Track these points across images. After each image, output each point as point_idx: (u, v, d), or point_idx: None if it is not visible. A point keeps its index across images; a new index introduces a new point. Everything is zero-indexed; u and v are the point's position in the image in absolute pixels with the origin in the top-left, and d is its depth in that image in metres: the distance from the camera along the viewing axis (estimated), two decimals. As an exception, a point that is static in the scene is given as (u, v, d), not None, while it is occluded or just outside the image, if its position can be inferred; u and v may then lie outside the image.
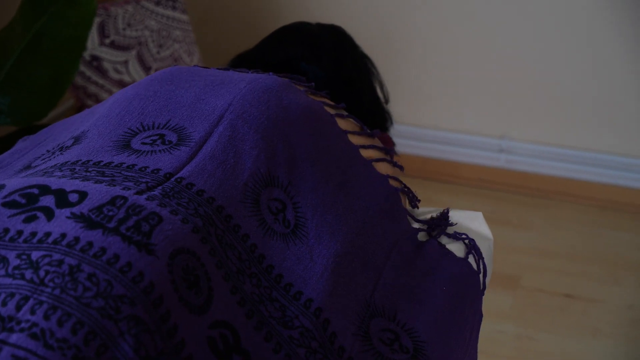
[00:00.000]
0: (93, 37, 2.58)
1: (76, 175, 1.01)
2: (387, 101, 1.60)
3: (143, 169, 1.04)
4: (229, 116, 1.14)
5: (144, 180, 1.01)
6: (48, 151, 1.19)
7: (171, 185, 1.01)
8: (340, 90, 1.46)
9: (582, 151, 2.85)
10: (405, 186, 1.32)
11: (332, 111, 1.28)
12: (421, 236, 1.28)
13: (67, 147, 1.14)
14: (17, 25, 2.09)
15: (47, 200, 0.94)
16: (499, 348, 2.23)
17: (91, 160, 1.07)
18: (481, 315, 1.24)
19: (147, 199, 0.96)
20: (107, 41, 2.62)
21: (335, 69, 1.49)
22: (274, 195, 1.10)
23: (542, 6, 2.73)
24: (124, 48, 2.64)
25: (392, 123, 1.61)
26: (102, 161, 1.07)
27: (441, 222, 1.31)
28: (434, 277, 1.20)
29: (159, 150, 1.09)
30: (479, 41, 2.83)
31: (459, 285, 1.21)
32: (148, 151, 1.09)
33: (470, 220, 1.35)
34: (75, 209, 0.93)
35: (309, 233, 1.10)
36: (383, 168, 1.31)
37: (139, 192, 0.97)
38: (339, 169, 1.19)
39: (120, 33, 2.64)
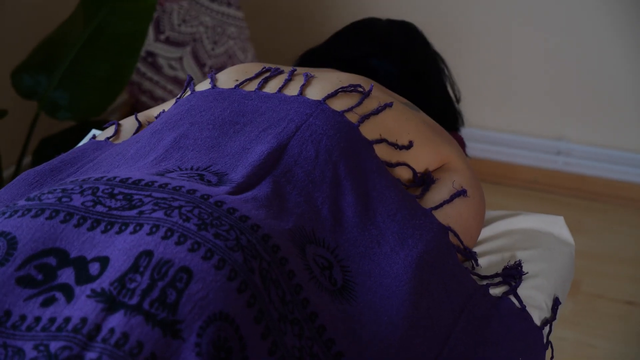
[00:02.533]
0: (148, 32, 2.56)
1: (99, 206, 0.91)
2: (458, 100, 1.56)
3: (177, 188, 0.94)
4: (274, 173, 1.05)
5: (176, 204, 0.91)
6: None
7: (210, 210, 0.91)
8: (410, 86, 1.43)
9: (642, 154, 2.81)
10: (463, 247, 1.18)
11: (384, 155, 1.16)
12: (493, 289, 1.15)
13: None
14: (78, 20, 2.08)
15: (66, 276, 0.85)
16: (559, 355, 2.17)
17: (119, 176, 0.97)
18: None
19: (177, 243, 0.86)
20: (162, 37, 2.61)
21: (406, 65, 1.46)
22: (320, 253, 0.99)
23: (601, 6, 2.68)
24: (179, 44, 2.62)
25: (463, 123, 1.57)
26: (131, 177, 0.97)
27: (514, 273, 1.18)
28: (510, 344, 1.07)
29: (196, 181, 1.00)
30: (538, 41, 2.79)
31: (533, 356, 1.09)
32: (184, 179, 0.99)
33: (550, 225, 1.31)
34: (96, 285, 0.84)
35: (358, 297, 0.98)
36: (452, 212, 1.19)
37: (168, 234, 0.87)
38: (395, 228, 1.07)
39: (175, 29, 2.62)
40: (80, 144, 1.41)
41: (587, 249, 2.61)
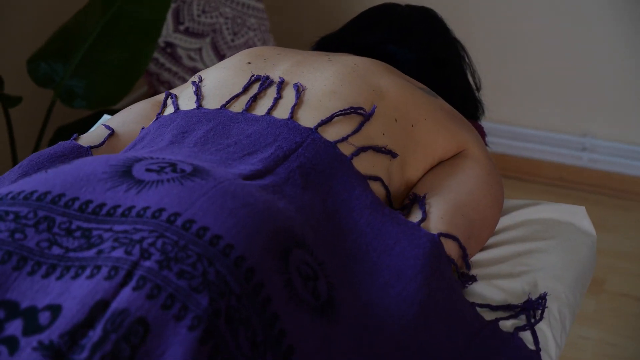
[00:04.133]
0: (167, 23, 2.54)
1: (55, 247, 0.84)
2: (478, 89, 1.52)
3: (141, 213, 0.85)
4: (259, 182, 0.96)
5: (137, 237, 0.83)
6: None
7: (175, 238, 0.82)
8: (429, 73, 1.39)
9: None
10: (459, 274, 1.09)
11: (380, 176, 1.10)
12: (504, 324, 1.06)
13: (56, 166, 0.96)
14: (95, 8, 2.07)
15: (14, 328, 0.78)
16: (582, 354, 2.14)
17: (78, 199, 0.88)
18: None
19: (135, 288, 0.79)
20: (182, 28, 2.58)
21: (425, 51, 1.42)
22: (306, 260, 0.90)
23: (630, 1, 2.64)
24: (199, 35, 2.60)
25: (483, 112, 1.54)
26: (92, 201, 0.88)
27: (530, 306, 1.08)
28: None
29: (167, 180, 0.89)
30: (563, 34, 2.76)
31: None
32: (153, 181, 0.89)
33: (571, 215, 1.27)
34: (44, 336, 0.77)
35: (341, 319, 0.90)
36: (468, 201, 1.14)
37: (127, 277, 0.79)
38: (392, 262, 0.99)
39: (194, 20, 2.60)
40: (93, 128, 1.39)
41: (612, 247, 2.57)
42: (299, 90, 1.13)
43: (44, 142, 2.34)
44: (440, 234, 1.05)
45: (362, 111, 1.11)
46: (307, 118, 1.10)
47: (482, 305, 1.06)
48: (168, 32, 2.56)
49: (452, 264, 1.06)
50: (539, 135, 2.87)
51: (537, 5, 2.75)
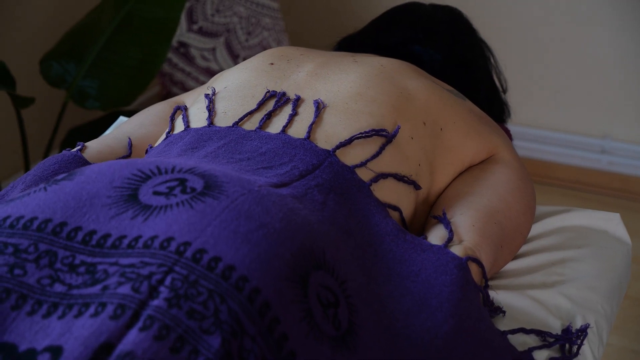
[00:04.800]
0: (181, 22, 2.51)
1: (57, 285, 0.78)
2: (504, 91, 1.49)
3: (149, 243, 0.80)
4: (278, 192, 0.91)
5: (145, 272, 0.77)
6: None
7: (185, 272, 0.77)
8: (455, 74, 1.36)
9: (690, 154, 2.73)
10: (489, 305, 1.02)
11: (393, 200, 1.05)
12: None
13: (57, 181, 0.89)
14: (107, 7, 2.04)
15: None
16: (603, 361, 2.10)
17: (81, 229, 0.82)
18: None
19: (141, 329, 0.73)
20: (195, 27, 2.55)
21: (451, 51, 1.38)
22: (327, 284, 0.84)
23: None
24: (212, 35, 2.57)
25: (509, 114, 1.50)
26: (96, 232, 0.82)
27: (568, 339, 1.02)
28: None
29: (176, 204, 0.83)
30: (582, 37, 2.72)
31: None
32: (161, 207, 0.83)
33: (605, 222, 1.23)
34: None
35: (360, 346, 0.84)
36: (501, 207, 1.10)
37: (134, 318, 0.74)
38: (416, 288, 0.93)
39: (208, 19, 2.56)
40: (108, 131, 1.35)
41: (633, 252, 2.53)
42: (319, 108, 1.07)
43: (56, 143, 2.30)
44: (469, 258, 0.99)
45: (384, 133, 1.05)
46: (333, 122, 1.05)
47: (514, 331, 1.00)
48: (181, 31, 2.52)
49: (480, 292, 0.99)
50: (557, 138, 2.84)
51: (556, 8, 2.72)
